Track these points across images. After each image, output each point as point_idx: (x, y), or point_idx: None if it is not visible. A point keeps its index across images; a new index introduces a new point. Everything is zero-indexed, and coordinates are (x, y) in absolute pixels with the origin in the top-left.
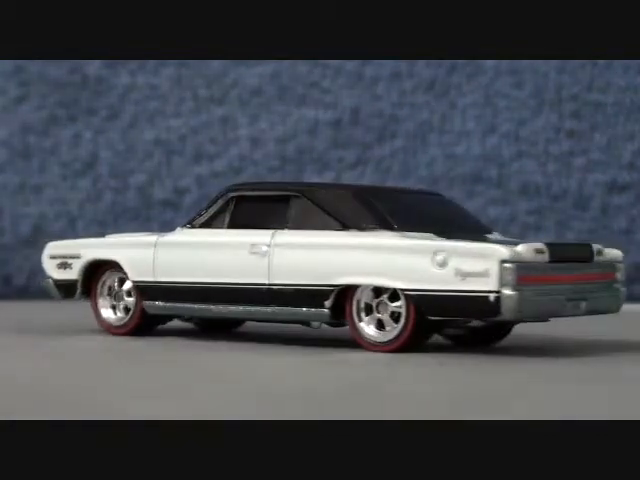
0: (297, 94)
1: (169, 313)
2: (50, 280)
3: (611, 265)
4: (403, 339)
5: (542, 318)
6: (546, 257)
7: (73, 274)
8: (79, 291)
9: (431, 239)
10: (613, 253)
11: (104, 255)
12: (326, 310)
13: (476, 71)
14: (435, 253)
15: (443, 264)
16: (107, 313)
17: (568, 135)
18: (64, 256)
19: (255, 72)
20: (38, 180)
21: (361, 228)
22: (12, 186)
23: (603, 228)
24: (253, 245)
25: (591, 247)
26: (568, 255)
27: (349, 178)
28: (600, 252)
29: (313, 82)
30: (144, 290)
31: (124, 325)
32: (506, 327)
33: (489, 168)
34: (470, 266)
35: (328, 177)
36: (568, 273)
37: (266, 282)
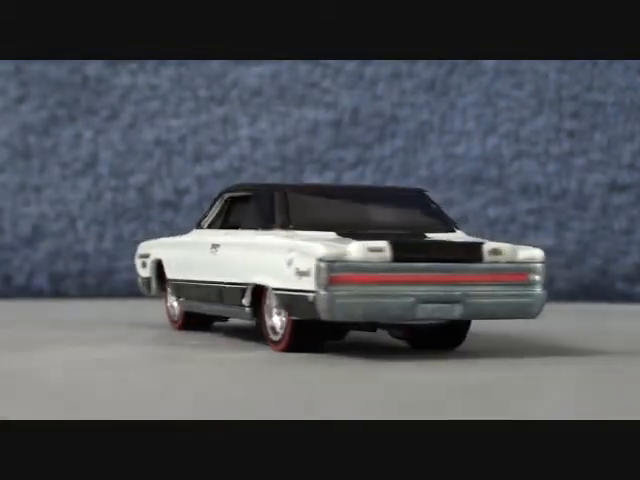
0: (297, 94)
1: (187, 310)
2: (138, 278)
3: (521, 266)
4: (285, 340)
5: (370, 320)
6: (387, 256)
7: (148, 272)
8: (153, 287)
9: (291, 238)
10: (528, 253)
11: (159, 255)
12: (247, 308)
13: (476, 71)
14: (288, 252)
15: (290, 263)
16: (171, 309)
17: (568, 135)
18: (143, 255)
19: (255, 72)
20: (38, 180)
21: (266, 227)
22: (12, 186)
23: (603, 228)
24: (212, 245)
25: (479, 246)
26: (424, 255)
27: (349, 178)
28: (497, 251)
29: (313, 82)
30: (173, 288)
31: (176, 321)
32: (461, 329)
33: (489, 168)
34: (302, 265)
35: (328, 177)
36: (422, 274)
37: (214, 280)
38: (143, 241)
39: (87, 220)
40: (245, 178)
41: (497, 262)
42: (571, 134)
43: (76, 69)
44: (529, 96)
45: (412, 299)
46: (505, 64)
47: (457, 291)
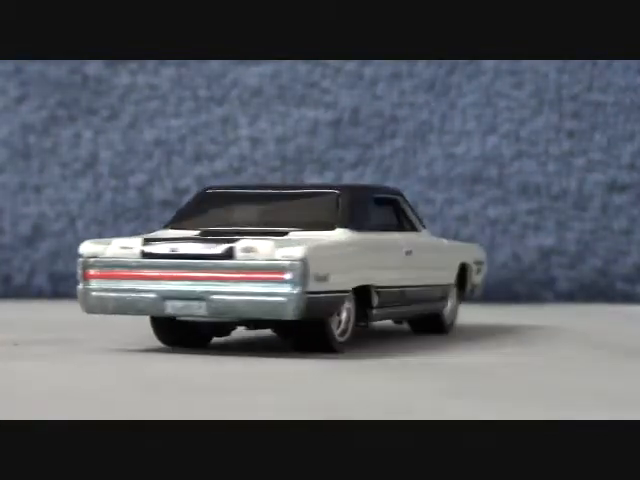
0: (297, 94)
1: None
2: None
3: (275, 264)
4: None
5: (122, 314)
6: (136, 253)
7: None
8: None
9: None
10: (286, 251)
11: None
12: None
13: (476, 71)
14: None
15: None
16: None
17: (568, 135)
18: None
19: (255, 72)
20: (38, 180)
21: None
22: (12, 186)
23: (603, 228)
24: None
25: (230, 243)
26: (173, 252)
27: (349, 178)
28: (251, 249)
29: (313, 82)
30: None
31: None
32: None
33: (489, 168)
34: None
35: (328, 177)
36: (166, 271)
37: None
38: None
39: (87, 220)
40: (245, 178)
41: (251, 260)
42: (571, 134)
43: (76, 69)
44: (529, 96)
45: (155, 295)
46: (505, 64)
47: (201, 288)
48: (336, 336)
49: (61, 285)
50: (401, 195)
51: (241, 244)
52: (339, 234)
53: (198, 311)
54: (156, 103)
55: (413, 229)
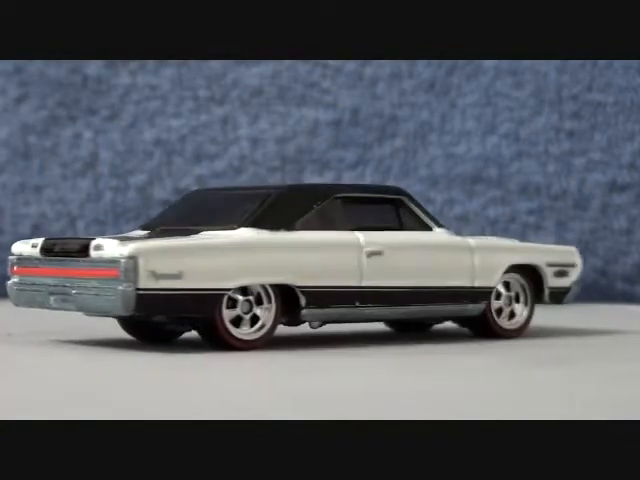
0: (297, 94)
1: None
2: None
3: (112, 261)
4: None
5: (31, 306)
6: (37, 251)
7: None
8: None
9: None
10: (119, 249)
11: None
12: None
13: (476, 71)
14: None
15: None
16: None
17: (568, 135)
18: None
19: (255, 72)
20: (38, 180)
21: None
22: (12, 186)
23: (603, 228)
24: None
25: (87, 241)
26: (56, 249)
27: (349, 178)
28: (99, 247)
29: (313, 82)
30: None
31: None
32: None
33: (489, 168)
34: None
35: (328, 177)
36: (52, 267)
37: None
38: None
39: (87, 220)
40: (245, 178)
41: (99, 257)
42: (571, 134)
43: (76, 69)
44: (529, 96)
45: (44, 290)
46: (505, 64)
47: (66, 284)
48: (235, 332)
49: None
50: (406, 194)
51: (94, 243)
52: (239, 233)
53: (69, 305)
54: (156, 103)
55: (422, 228)
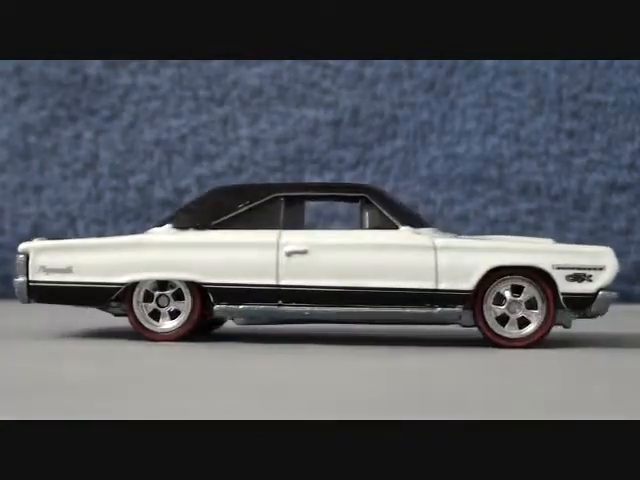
0: (297, 94)
1: None
2: None
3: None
4: None
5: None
6: None
7: None
8: None
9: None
10: (22, 246)
11: None
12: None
13: (476, 71)
14: None
15: None
16: None
17: (568, 135)
18: None
19: (255, 72)
20: (38, 180)
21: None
22: (12, 186)
23: (603, 228)
24: None
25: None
26: None
27: (349, 178)
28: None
29: (313, 82)
30: None
31: None
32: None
33: (489, 168)
34: None
35: (328, 177)
36: None
37: None
38: None
39: (87, 220)
40: (245, 178)
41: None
42: (571, 134)
43: (76, 69)
44: (529, 96)
45: None
46: (505, 64)
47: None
48: (150, 325)
49: None
50: (372, 192)
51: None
52: (159, 232)
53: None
54: (156, 103)
55: (387, 227)
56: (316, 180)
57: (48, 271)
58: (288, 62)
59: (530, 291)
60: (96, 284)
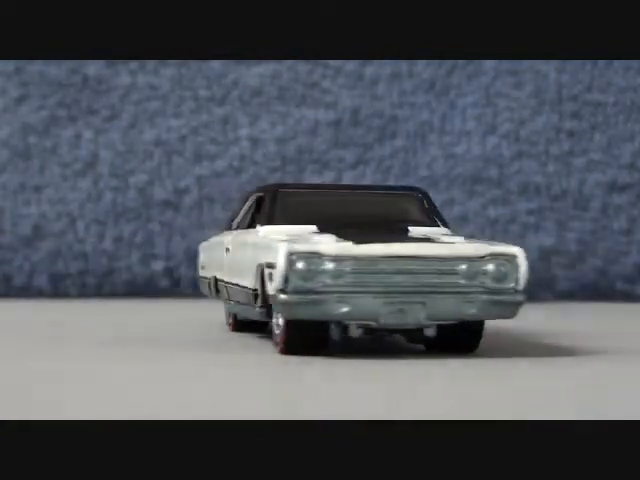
0: (297, 94)
1: (231, 311)
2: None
3: None
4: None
5: None
6: None
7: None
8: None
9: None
10: None
11: None
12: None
13: (476, 71)
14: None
15: None
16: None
17: (568, 135)
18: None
19: (255, 72)
20: (38, 180)
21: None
22: (12, 186)
23: (603, 228)
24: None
25: None
26: None
27: (350, 178)
28: None
29: (313, 82)
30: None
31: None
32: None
33: (489, 168)
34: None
35: (328, 177)
36: None
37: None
38: (145, 241)
39: (87, 220)
40: (245, 178)
41: None
42: (571, 134)
43: (76, 69)
44: (529, 96)
45: None
46: (505, 64)
47: None
48: None
49: (61, 285)
50: (268, 191)
51: None
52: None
53: None
54: (156, 103)
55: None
56: (316, 180)
57: None
58: (288, 62)
59: None
60: None
